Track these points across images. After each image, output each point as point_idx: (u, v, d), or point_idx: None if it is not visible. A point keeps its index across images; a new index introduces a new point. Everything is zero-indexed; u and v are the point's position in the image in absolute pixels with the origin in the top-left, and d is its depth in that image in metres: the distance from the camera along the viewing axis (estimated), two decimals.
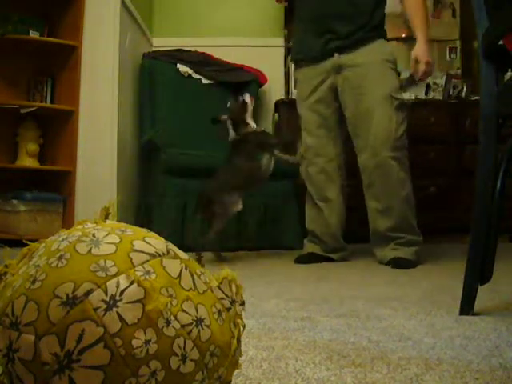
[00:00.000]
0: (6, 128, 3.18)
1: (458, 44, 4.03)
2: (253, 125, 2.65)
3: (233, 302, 0.60)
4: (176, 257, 0.57)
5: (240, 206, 2.55)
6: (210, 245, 2.55)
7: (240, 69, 3.83)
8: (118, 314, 0.49)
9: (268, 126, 4.05)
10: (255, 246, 3.09)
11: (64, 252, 0.54)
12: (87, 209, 3.04)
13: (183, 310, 0.53)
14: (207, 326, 0.55)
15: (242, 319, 0.61)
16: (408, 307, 1.36)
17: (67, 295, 0.50)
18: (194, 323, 0.54)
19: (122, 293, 0.50)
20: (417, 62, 2.39)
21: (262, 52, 4.05)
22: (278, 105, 3.80)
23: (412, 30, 2.49)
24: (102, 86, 3.16)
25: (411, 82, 3.42)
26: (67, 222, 3.06)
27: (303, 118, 2.65)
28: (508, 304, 1.41)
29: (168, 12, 4.12)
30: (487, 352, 0.92)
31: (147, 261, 0.54)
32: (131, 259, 0.53)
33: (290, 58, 4.00)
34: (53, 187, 3.16)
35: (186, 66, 3.73)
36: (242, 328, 0.61)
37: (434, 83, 3.86)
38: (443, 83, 3.85)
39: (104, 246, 0.54)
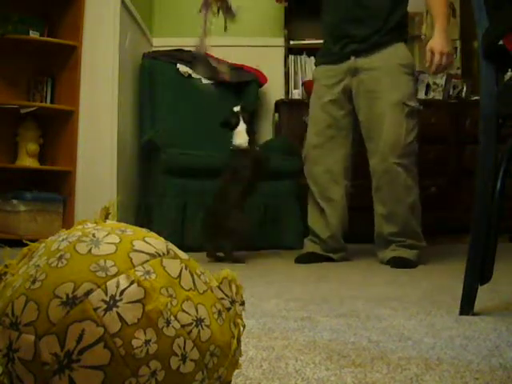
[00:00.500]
0: (6, 128, 3.18)
1: (458, 44, 4.03)
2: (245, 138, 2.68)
3: (233, 302, 0.60)
4: (176, 257, 0.57)
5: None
6: (227, 255, 2.57)
7: (240, 69, 3.83)
8: (118, 313, 0.49)
9: (268, 126, 4.05)
10: (255, 245, 3.08)
11: (64, 252, 0.54)
12: (87, 209, 3.04)
13: (183, 310, 0.53)
14: (207, 326, 0.55)
15: (241, 319, 0.61)
16: (408, 307, 1.36)
17: (67, 295, 0.50)
18: (194, 323, 0.54)
19: (122, 293, 0.50)
20: (432, 53, 2.35)
21: (262, 52, 4.05)
22: (278, 105, 3.80)
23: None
24: (102, 86, 3.16)
25: None
26: (67, 222, 3.06)
27: (314, 116, 2.65)
28: (508, 304, 1.41)
29: (168, 12, 4.12)
30: (487, 352, 0.92)
31: (147, 261, 0.54)
32: (131, 259, 0.53)
33: (290, 58, 4.01)
34: (53, 187, 3.16)
35: (186, 66, 3.73)
36: (242, 328, 0.61)
37: (434, 83, 3.86)
38: (443, 83, 3.85)
39: (104, 245, 0.54)
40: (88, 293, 0.50)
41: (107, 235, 0.56)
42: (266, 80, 3.90)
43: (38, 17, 3.19)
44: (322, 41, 2.75)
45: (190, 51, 3.82)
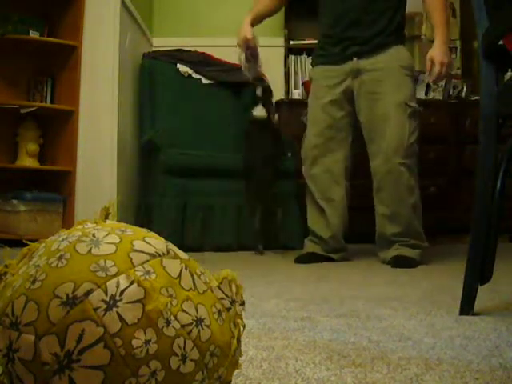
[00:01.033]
0: (6, 128, 3.18)
1: (458, 44, 4.03)
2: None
3: (233, 302, 0.60)
4: (176, 257, 0.57)
5: None
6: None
7: (240, 69, 3.83)
8: (118, 313, 0.49)
9: None
10: (255, 246, 3.08)
11: (64, 252, 0.54)
12: (87, 209, 3.04)
13: (183, 310, 0.53)
14: (207, 326, 0.55)
15: (242, 319, 0.61)
16: (408, 307, 1.36)
17: (67, 295, 0.50)
18: (194, 323, 0.54)
19: (122, 293, 0.50)
20: (432, 63, 2.37)
21: (262, 52, 4.04)
22: (278, 105, 3.80)
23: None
24: (102, 86, 3.17)
25: None
26: (67, 222, 3.06)
27: (313, 117, 2.64)
28: (508, 304, 1.41)
29: (168, 12, 4.13)
30: (487, 352, 0.92)
31: (147, 261, 0.54)
32: (131, 259, 0.53)
33: (290, 58, 4.01)
34: (53, 187, 3.16)
35: (186, 65, 3.73)
36: (242, 328, 0.61)
37: (434, 83, 3.86)
38: (443, 83, 3.85)
39: (104, 245, 0.54)
40: (88, 293, 0.50)
41: (107, 235, 0.56)
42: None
43: (38, 17, 3.19)
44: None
45: (189, 51, 3.83)
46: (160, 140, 3.14)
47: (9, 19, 3.00)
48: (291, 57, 4.00)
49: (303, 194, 2.76)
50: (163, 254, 0.56)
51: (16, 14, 3.04)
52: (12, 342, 0.50)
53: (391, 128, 2.42)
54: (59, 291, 0.50)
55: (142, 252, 0.55)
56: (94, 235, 0.55)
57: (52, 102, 3.24)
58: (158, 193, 3.11)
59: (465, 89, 3.85)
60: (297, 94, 3.91)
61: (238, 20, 4.09)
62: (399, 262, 2.34)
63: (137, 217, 3.32)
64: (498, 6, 1.20)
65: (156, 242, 0.57)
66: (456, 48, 4.02)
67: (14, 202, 3.00)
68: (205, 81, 3.77)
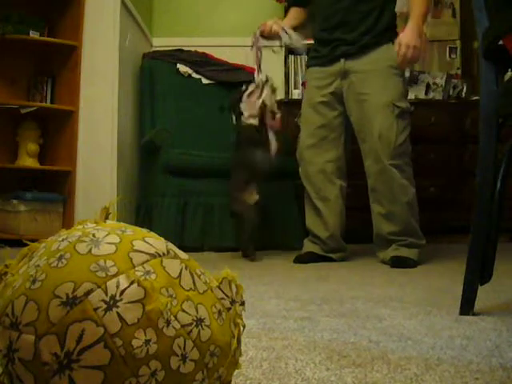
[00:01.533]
0: (6, 128, 3.18)
1: (458, 44, 4.03)
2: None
3: (233, 302, 0.60)
4: (176, 257, 0.57)
5: (256, 197, 2.67)
6: (245, 242, 2.72)
7: (240, 69, 3.83)
8: (118, 314, 0.49)
9: None
10: (255, 246, 3.08)
11: (64, 252, 0.54)
12: (87, 209, 3.04)
13: (183, 310, 0.53)
14: (207, 326, 0.55)
15: (241, 319, 0.61)
16: (408, 307, 1.36)
17: (67, 295, 0.50)
18: (194, 323, 0.54)
19: (122, 293, 0.50)
20: (399, 45, 2.35)
21: (262, 52, 4.03)
22: (278, 105, 3.79)
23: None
24: (102, 85, 3.16)
25: None
26: (67, 222, 3.06)
27: (306, 117, 2.66)
28: (508, 304, 1.41)
29: (168, 12, 4.12)
30: (487, 352, 0.92)
31: (147, 261, 0.54)
32: (131, 259, 0.53)
33: (290, 58, 4.01)
34: (53, 187, 3.16)
35: (186, 65, 3.72)
36: (242, 328, 0.61)
37: (434, 83, 3.86)
38: (443, 83, 3.85)
39: (104, 245, 0.54)
40: (88, 293, 0.50)
41: (107, 235, 0.56)
42: None
43: (38, 17, 3.18)
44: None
45: (189, 51, 3.83)
46: (160, 140, 3.14)
47: (9, 19, 3.00)
48: (291, 57, 4.00)
49: (303, 195, 2.76)
50: (163, 254, 0.56)
51: (16, 14, 3.04)
52: (12, 342, 0.50)
53: (378, 128, 2.42)
54: (59, 291, 0.50)
55: (142, 252, 0.55)
56: (94, 235, 0.55)
57: (52, 102, 3.24)
58: (158, 193, 3.11)
59: (465, 89, 3.85)
60: (297, 94, 3.91)
61: (237, 20, 4.11)
62: (397, 263, 2.35)
63: (137, 217, 3.32)
64: (498, 7, 1.20)
65: (156, 242, 0.57)
66: (456, 48, 4.02)
67: (14, 202, 3.00)
68: (205, 81, 3.76)
